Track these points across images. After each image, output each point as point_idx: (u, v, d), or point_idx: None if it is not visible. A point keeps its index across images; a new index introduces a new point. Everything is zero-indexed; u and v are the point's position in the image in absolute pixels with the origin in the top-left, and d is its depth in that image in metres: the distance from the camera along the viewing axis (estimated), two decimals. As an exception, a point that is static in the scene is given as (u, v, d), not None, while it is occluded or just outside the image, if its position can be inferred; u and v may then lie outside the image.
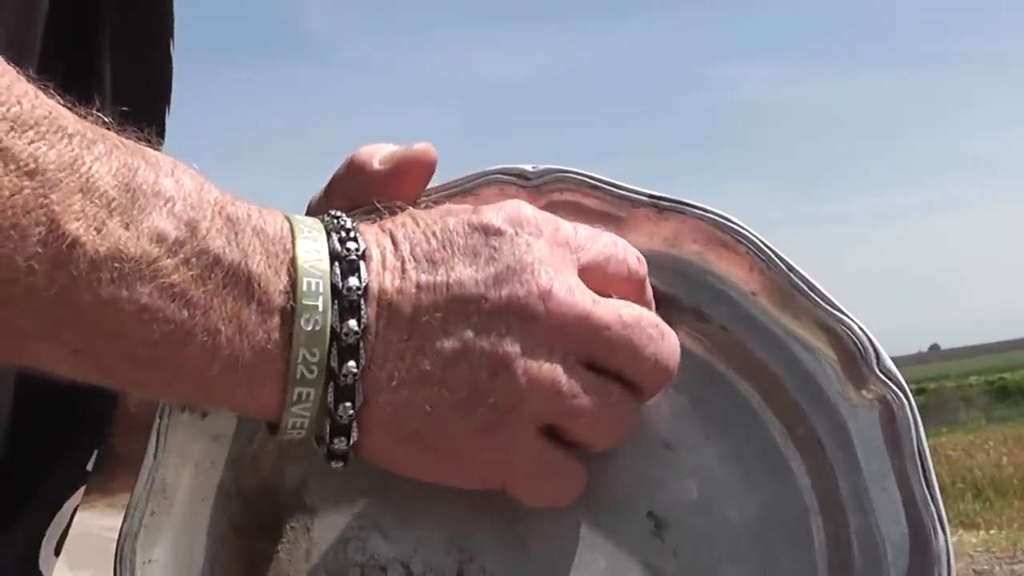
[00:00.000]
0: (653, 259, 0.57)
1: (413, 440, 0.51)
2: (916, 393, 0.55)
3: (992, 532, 8.71)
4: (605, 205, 0.57)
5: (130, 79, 0.67)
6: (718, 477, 0.56)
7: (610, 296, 0.53)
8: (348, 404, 0.49)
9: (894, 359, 0.55)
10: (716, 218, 0.56)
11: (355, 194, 0.56)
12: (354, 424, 0.50)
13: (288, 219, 0.50)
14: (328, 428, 0.50)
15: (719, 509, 0.56)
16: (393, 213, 0.54)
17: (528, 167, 0.57)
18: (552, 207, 0.56)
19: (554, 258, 0.52)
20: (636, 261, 0.55)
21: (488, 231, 0.51)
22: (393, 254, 0.51)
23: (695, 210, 0.56)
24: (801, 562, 0.56)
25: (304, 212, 0.58)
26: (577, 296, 0.51)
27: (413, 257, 0.51)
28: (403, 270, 0.50)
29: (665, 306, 0.57)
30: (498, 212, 0.52)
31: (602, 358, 0.52)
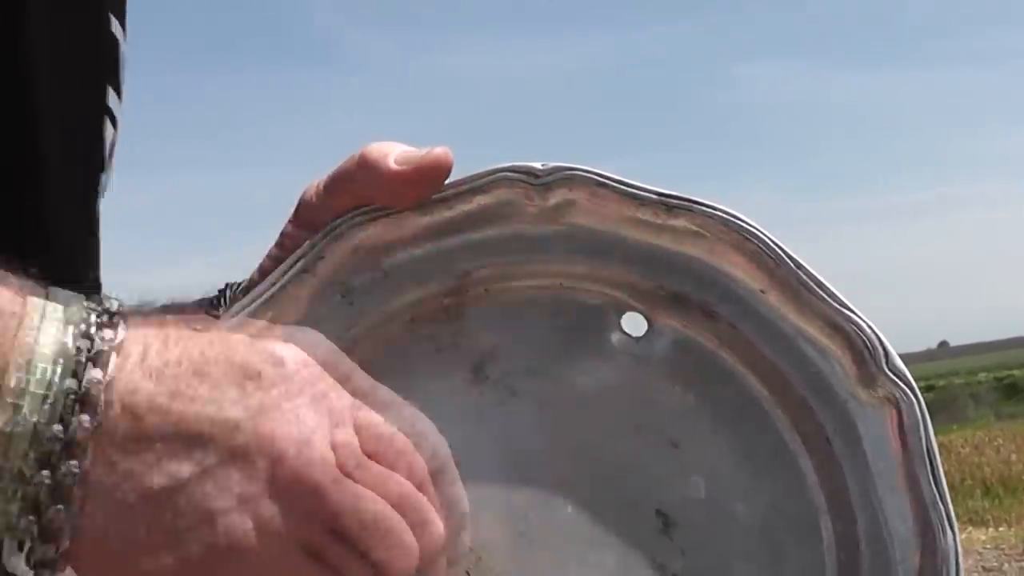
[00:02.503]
0: (662, 257, 0.56)
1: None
2: (925, 390, 0.55)
3: (1001, 529, 8.68)
4: (612, 204, 0.56)
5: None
6: (726, 475, 0.56)
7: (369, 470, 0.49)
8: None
9: (903, 356, 0.54)
10: (725, 216, 0.56)
11: (364, 191, 0.56)
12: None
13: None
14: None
15: (727, 507, 0.56)
16: (388, 215, 0.55)
17: (537, 165, 0.57)
18: (562, 205, 0.56)
19: (304, 424, 0.48)
20: (417, 464, 0.50)
21: (248, 374, 0.48)
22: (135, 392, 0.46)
23: (704, 208, 0.56)
24: (809, 560, 0.56)
25: (296, 203, 0.58)
26: (316, 469, 0.47)
27: (159, 380, 0.47)
28: (135, 414, 0.46)
29: (673, 304, 0.57)
30: (266, 358, 0.49)
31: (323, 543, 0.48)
